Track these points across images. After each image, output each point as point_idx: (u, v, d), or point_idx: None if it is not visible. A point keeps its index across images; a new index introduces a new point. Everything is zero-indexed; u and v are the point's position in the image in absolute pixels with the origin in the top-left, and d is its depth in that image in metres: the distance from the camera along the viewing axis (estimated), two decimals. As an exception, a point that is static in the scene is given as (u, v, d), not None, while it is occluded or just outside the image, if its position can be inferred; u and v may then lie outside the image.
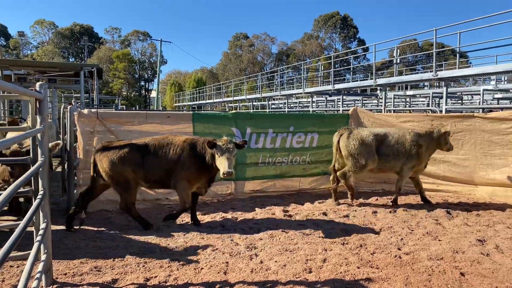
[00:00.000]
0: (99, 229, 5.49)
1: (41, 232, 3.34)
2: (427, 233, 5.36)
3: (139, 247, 4.74)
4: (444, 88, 10.52)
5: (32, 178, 3.49)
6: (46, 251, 3.57)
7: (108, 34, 73.05)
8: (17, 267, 4.05)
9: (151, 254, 4.50)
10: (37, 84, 3.39)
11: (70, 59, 68.66)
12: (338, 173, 7.11)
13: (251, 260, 4.34)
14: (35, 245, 3.15)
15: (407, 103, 22.22)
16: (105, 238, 5.06)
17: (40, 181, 3.50)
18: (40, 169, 3.44)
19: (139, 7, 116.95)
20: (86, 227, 5.52)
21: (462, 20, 10.89)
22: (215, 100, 35.66)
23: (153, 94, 62.98)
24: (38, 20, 70.24)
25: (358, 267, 4.14)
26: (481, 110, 11.56)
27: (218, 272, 4.00)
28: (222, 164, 5.19)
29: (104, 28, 78.99)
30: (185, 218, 6.07)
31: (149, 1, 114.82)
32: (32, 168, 3.22)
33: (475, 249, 4.65)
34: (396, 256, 4.44)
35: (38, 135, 3.43)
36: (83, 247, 4.71)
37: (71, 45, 69.26)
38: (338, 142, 7.09)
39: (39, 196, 3.32)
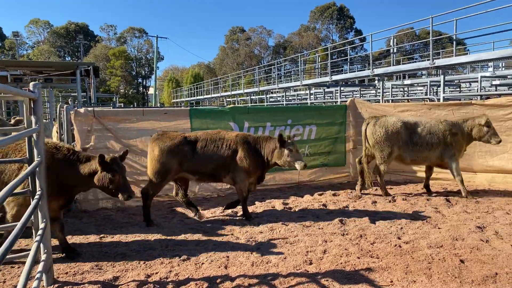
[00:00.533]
0: (99, 227, 5.49)
1: (40, 232, 3.34)
2: (426, 221, 5.38)
3: (140, 244, 4.74)
4: (442, 76, 10.49)
5: (29, 178, 3.49)
6: (46, 250, 3.57)
7: (104, 32, 72.71)
8: (18, 267, 4.06)
9: (151, 250, 4.51)
10: (31, 84, 3.37)
11: (67, 58, 68.37)
12: (373, 170, 7.03)
13: (251, 253, 4.35)
14: (34, 245, 3.15)
15: (405, 92, 22.19)
16: (105, 236, 5.06)
17: (37, 181, 3.49)
18: (37, 169, 3.43)
19: (134, 4, 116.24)
20: (87, 225, 5.52)
21: (460, 7, 10.81)
22: (213, 95, 35.58)
23: (151, 91, 62.82)
24: (33, 20, 69.83)
25: (358, 257, 4.15)
26: (479, 97, 11.53)
27: (219, 267, 4.01)
28: (296, 158, 5.48)
29: (100, 26, 78.60)
30: (185, 213, 6.08)
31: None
32: (28, 168, 3.22)
33: (475, 236, 4.66)
34: (396, 245, 4.45)
35: (34, 135, 3.42)
36: (85, 246, 4.72)
37: (67, 44, 68.91)
38: (365, 131, 7.06)
39: (36, 196, 3.32)
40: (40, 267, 3.38)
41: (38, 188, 3.48)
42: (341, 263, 4.02)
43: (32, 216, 3.38)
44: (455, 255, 4.12)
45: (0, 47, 64.00)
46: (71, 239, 4.92)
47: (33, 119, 3.40)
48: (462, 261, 3.97)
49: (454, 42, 11.00)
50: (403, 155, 6.88)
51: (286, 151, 5.46)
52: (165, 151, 5.48)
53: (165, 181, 5.67)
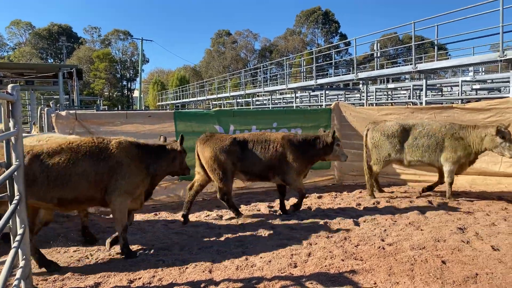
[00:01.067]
0: (80, 233, 5.37)
1: (18, 238, 3.25)
2: (409, 223, 5.44)
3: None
4: (424, 80, 10.70)
5: (8, 183, 3.40)
6: (24, 257, 3.47)
7: (88, 34, 71.76)
8: (-4, 274, 3.94)
9: (134, 257, 4.44)
10: (9, 86, 3.29)
11: (49, 60, 67.11)
12: (365, 167, 7.16)
13: (236, 257, 4.32)
14: (12, 251, 3.05)
15: (389, 96, 22.53)
16: (88, 241, 4.96)
17: (15, 185, 3.40)
18: (15, 173, 3.34)
19: (119, 6, 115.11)
20: (70, 231, 5.40)
21: (442, 12, 11.08)
22: (199, 98, 35.44)
23: (136, 93, 62.16)
24: (14, 21, 68.35)
25: (343, 260, 4.17)
26: (459, 101, 11.81)
27: (203, 271, 3.97)
28: (343, 152, 6.28)
29: (83, 28, 77.37)
30: (169, 217, 6.02)
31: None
32: (6, 172, 3.13)
33: (456, 237, 4.74)
34: (379, 247, 4.49)
35: (12, 138, 3.33)
36: (66, 251, 4.62)
37: (50, 46, 67.66)
38: (366, 136, 7.21)
39: (14, 201, 3.23)
40: (18, 274, 3.28)
41: (16, 193, 3.39)
42: (325, 266, 4.04)
43: (10, 222, 3.29)
44: (437, 256, 4.18)
45: (-21, 49, 62.48)
46: (51, 245, 4.81)
47: (11, 122, 3.31)
48: (443, 262, 4.03)
49: (436, 47, 11.25)
50: (399, 157, 6.93)
51: (337, 147, 6.07)
52: (218, 151, 5.69)
53: (229, 178, 5.79)
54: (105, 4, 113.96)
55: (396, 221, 5.58)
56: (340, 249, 4.48)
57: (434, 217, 5.75)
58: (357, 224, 5.48)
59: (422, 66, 11.05)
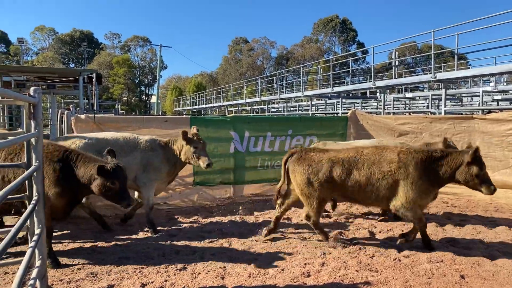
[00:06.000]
0: (97, 234, 5.44)
1: (35, 238, 3.30)
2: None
3: (136, 252, 4.69)
4: (443, 90, 10.50)
5: (27, 184, 3.46)
6: (41, 257, 3.52)
7: (108, 40, 73.34)
8: (13, 273, 4.01)
9: (148, 259, 4.46)
10: (31, 88, 3.37)
11: (71, 65, 68.81)
12: None
13: (249, 264, 4.29)
14: (29, 250, 3.10)
15: (406, 105, 22.21)
16: (102, 244, 5.01)
17: (34, 186, 3.47)
18: (35, 174, 3.41)
19: (139, 12, 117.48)
20: (84, 232, 5.48)
21: (462, 21, 10.86)
22: (215, 104, 35.68)
23: (153, 99, 63.05)
24: (38, 27, 70.55)
25: (357, 271, 4.09)
26: (480, 111, 11.53)
27: (216, 277, 3.95)
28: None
29: (104, 34, 79.43)
30: (183, 221, 6.03)
31: (148, 7, 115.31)
32: (25, 173, 3.19)
33: (476, 251, 4.59)
34: (395, 259, 4.39)
35: (32, 139, 3.41)
36: (81, 252, 4.67)
37: (71, 51, 69.46)
38: None
39: (33, 202, 3.29)
40: (34, 273, 3.33)
41: (35, 193, 3.45)
42: (339, 276, 3.97)
43: (28, 221, 3.35)
44: (456, 270, 4.06)
45: (5, 53, 64.52)
46: (68, 246, 4.88)
47: (32, 124, 3.38)
48: (462, 277, 3.91)
49: (456, 56, 11.04)
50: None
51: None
52: (312, 175, 4.77)
53: (322, 208, 5.08)
54: (125, 11, 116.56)
55: (412, 232, 5.44)
56: (355, 260, 4.39)
57: (452, 229, 5.60)
58: (372, 234, 5.38)
59: (442, 75, 10.85)
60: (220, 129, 7.38)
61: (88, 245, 4.95)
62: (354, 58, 43.18)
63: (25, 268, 2.89)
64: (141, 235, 5.41)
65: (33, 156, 3.44)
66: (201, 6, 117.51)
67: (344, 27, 69.10)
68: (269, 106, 26.77)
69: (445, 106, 10.51)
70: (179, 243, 5.06)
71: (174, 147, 5.73)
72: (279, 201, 5.26)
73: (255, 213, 6.62)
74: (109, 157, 4.36)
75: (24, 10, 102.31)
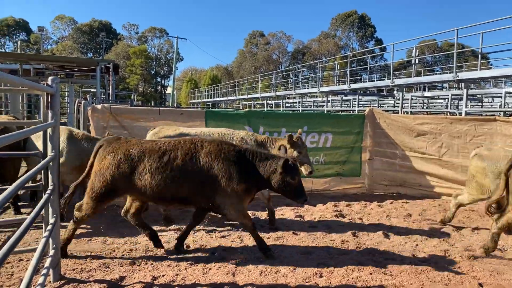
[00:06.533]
0: (110, 225, 5.47)
1: (49, 227, 3.32)
2: (444, 239, 5.17)
3: (148, 244, 4.69)
4: (465, 90, 10.20)
5: (42, 173, 3.48)
6: (54, 246, 3.55)
7: (126, 31, 73.83)
8: (27, 260, 4.06)
9: (159, 252, 4.46)
10: (49, 78, 3.37)
11: (89, 55, 69.67)
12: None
13: (260, 262, 4.25)
14: (43, 240, 3.13)
15: (424, 104, 21.76)
16: (114, 236, 5.03)
17: (50, 175, 3.48)
18: (50, 163, 3.42)
19: (157, 4, 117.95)
20: (97, 223, 5.51)
21: (484, 20, 10.52)
22: (230, 98, 35.67)
23: (169, 90, 63.45)
24: (59, 16, 71.48)
25: (371, 273, 4.00)
26: (502, 113, 11.19)
27: (227, 273, 3.92)
28: None
29: (122, 25, 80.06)
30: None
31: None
32: (41, 163, 3.20)
33: (495, 259, 4.45)
34: (410, 263, 4.28)
35: (49, 129, 3.41)
36: (94, 243, 4.71)
37: (90, 41, 70.25)
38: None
39: (48, 191, 3.31)
40: (47, 262, 3.35)
41: (50, 183, 3.47)
42: (352, 278, 3.89)
43: (43, 211, 3.37)
44: (474, 277, 3.93)
45: (26, 41, 65.67)
46: (79, 238, 4.91)
47: (49, 113, 3.39)
48: (480, 285, 3.79)
49: (480, 56, 10.69)
50: None
51: None
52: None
53: None
54: (143, 2, 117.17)
55: (429, 236, 5.32)
56: (369, 262, 4.30)
57: (470, 234, 5.45)
58: (387, 236, 5.27)
59: (464, 75, 10.55)
60: (234, 123, 7.31)
61: (100, 237, 4.97)
62: (372, 55, 42.43)
63: (39, 257, 2.90)
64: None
65: (49, 145, 3.46)
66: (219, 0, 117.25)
67: (363, 23, 68.04)
68: (284, 101, 26.61)
69: (466, 106, 10.23)
70: (191, 237, 5.04)
71: (271, 147, 5.46)
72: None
73: (267, 210, 6.55)
74: (281, 152, 4.51)
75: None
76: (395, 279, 3.89)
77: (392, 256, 4.50)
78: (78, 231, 5.02)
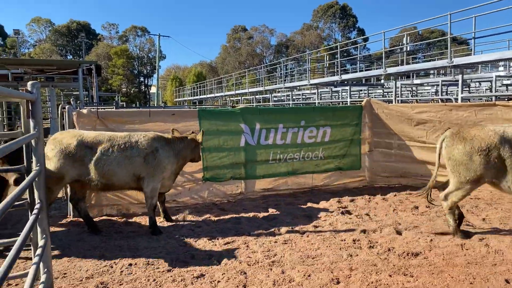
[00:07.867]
0: (104, 237, 5.10)
1: (39, 251, 2.95)
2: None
3: (148, 256, 4.36)
4: (460, 76, 10.07)
5: (28, 190, 3.10)
6: (46, 270, 3.18)
7: (106, 31, 72.30)
8: (16, 285, 3.69)
9: (161, 265, 4.13)
10: (29, 83, 2.97)
11: (68, 57, 68.00)
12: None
13: (271, 270, 3.96)
14: (33, 266, 2.76)
15: (413, 92, 21.77)
16: (111, 248, 4.67)
17: (36, 192, 3.11)
18: (36, 179, 3.04)
19: (136, 3, 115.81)
20: (91, 235, 5.14)
21: (473, 5, 10.38)
22: (216, 94, 35.15)
23: (153, 89, 62.45)
24: (34, 18, 69.45)
25: (390, 275, 3.76)
26: (493, 98, 11.13)
27: (237, 286, 3.62)
28: None
29: (101, 25, 78.12)
30: (195, 220, 5.69)
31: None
32: (27, 179, 2.83)
33: (515, 251, 4.26)
34: (429, 260, 4.06)
35: (32, 141, 3.03)
36: (88, 258, 4.34)
37: (69, 43, 68.57)
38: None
39: (35, 211, 2.93)
40: (39, 289, 2.99)
41: (37, 200, 3.10)
42: (372, 283, 3.63)
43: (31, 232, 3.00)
44: (499, 273, 3.72)
45: (1, 46, 63.61)
46: (74, 251, 4.54)
47: (31, 123, 3.00)
48: (507, 281, 3.58)
49: (473, 40, 10.56)
50: None
51: None
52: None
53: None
54: (122, 1, 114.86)
55: (441, 229, 5.10)
56: (385, 262, 4.06)
57: (481, 224, 5.26)
58: (398, 232, 5.03)
59: (459, 60, 10.40)
60: (229, 121, 6.99)
61: (95, 249, 4.61)
62: (361, 44, 42.34)
63: (31, 283, 2.56)
64: (147, 237, 5.07)
65: (34, 159, 3.08)
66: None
67: (344, 13, 68.15)
68: (272, 95, 26.30)
69: (462, 92, 10.08)
70: (193, 245, 4.72)
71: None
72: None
73: (270, 209, 6.28)
74: None
75: (19, 1, 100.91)
76: (417, 280, 3.65)
77: (408, 254, 4.26)
78: (72, 248, 4.66)
